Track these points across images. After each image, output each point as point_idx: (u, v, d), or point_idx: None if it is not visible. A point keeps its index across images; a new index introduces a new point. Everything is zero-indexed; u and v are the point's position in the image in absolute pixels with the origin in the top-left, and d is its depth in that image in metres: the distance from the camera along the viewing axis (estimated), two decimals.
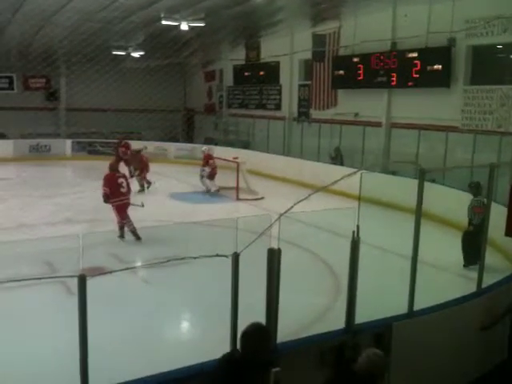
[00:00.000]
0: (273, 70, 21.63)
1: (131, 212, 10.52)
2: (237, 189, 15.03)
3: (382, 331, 4.57)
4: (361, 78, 16.86)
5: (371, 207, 9.28)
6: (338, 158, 17.38)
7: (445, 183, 12.39)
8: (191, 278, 7.59)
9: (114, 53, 22.42)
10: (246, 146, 22.43)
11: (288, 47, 20.18)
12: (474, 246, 8.56)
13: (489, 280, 5.97)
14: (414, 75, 14.99)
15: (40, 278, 6.21)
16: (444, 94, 14.32)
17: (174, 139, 25.35)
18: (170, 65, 23.27)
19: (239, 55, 23.34)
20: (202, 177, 15.95)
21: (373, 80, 16.44)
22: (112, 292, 6.64)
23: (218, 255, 3.88)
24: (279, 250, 4.06)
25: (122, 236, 10.38)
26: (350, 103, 17.58)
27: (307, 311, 6.84)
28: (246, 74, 23.50)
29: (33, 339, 5.89)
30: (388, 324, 4.68)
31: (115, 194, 10.16)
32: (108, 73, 21.30)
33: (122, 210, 10.26)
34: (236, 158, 15.81)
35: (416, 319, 4.92)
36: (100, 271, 5.35)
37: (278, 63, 21.20)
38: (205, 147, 17.49)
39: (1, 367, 5.34)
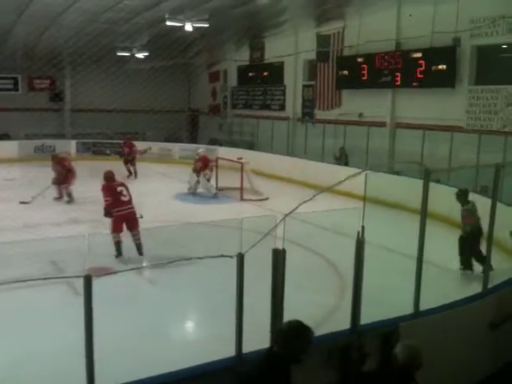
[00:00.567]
0: (277, 71, 21.63)
1: None
2: (241, 189, 15.02)
3: (389, 331, 4.55)
4: (365, 78, 16.85)
5: (376, 207, 9.25)
6: (342, 159, 17.36)
7: (450, 183, 12.35)
8: (196, 279, 7.60)
9: (119, 54, 22.49)
10: (250, 146, 22.40)
11: (292, 47, 20.19)
12: (467, 251, 8.58)
13: (495, 280, 5.96)
14: (419, 75, 14.98)
15: (46, 279, 6.25)
16: (449, 94, 14.30)
17: (179, 140, 25.38)
18: (175, 66, 23.29)
19: (243, 56, 23.36)
20: (208, 181, 15.57)
21: (377, 80, 16.43)
22: (118, 292, 6.64)
23: (222, 255, 3.89)
24: (284, 251, 4.07)
25: (119, 254, 9.26)
26: (355, 103, 17.57)
27: (312, 311, 6.83)
28: (251, 74, 23.51)
29: (38, 339, 5.90)
30: (395, 324, 4.66)
31: (116, 204, 9.49)
32: (113, 74, 21.32)
33: (118, 221, 9.40)
34: (240, 158, 15.75)
35: (423, 319, 4.90)
36: (106, 271, 5.39)
37: (282, 63, 21.20)
38: (201, 149, 17.06)
39: (7, 367, 5.37)
